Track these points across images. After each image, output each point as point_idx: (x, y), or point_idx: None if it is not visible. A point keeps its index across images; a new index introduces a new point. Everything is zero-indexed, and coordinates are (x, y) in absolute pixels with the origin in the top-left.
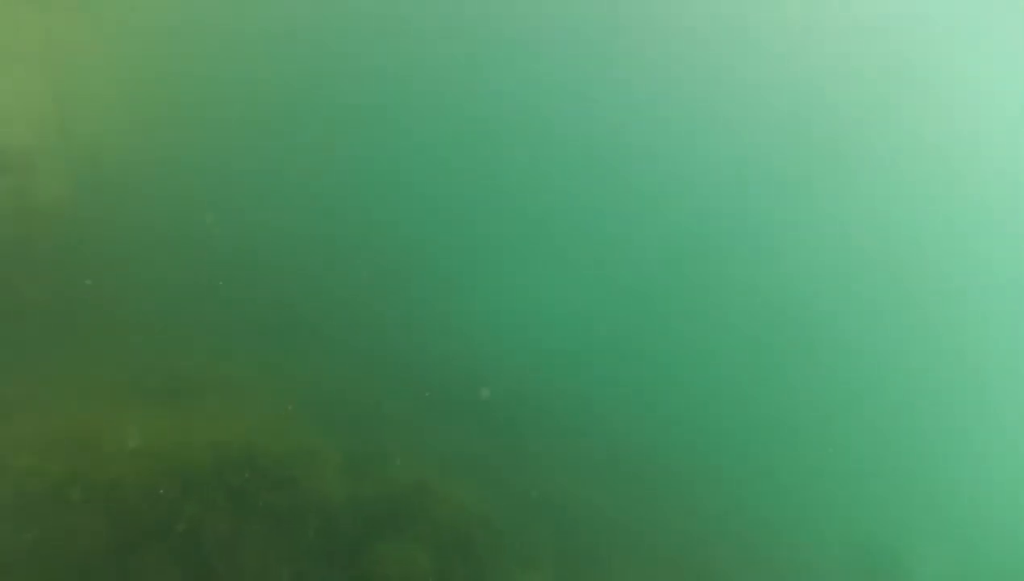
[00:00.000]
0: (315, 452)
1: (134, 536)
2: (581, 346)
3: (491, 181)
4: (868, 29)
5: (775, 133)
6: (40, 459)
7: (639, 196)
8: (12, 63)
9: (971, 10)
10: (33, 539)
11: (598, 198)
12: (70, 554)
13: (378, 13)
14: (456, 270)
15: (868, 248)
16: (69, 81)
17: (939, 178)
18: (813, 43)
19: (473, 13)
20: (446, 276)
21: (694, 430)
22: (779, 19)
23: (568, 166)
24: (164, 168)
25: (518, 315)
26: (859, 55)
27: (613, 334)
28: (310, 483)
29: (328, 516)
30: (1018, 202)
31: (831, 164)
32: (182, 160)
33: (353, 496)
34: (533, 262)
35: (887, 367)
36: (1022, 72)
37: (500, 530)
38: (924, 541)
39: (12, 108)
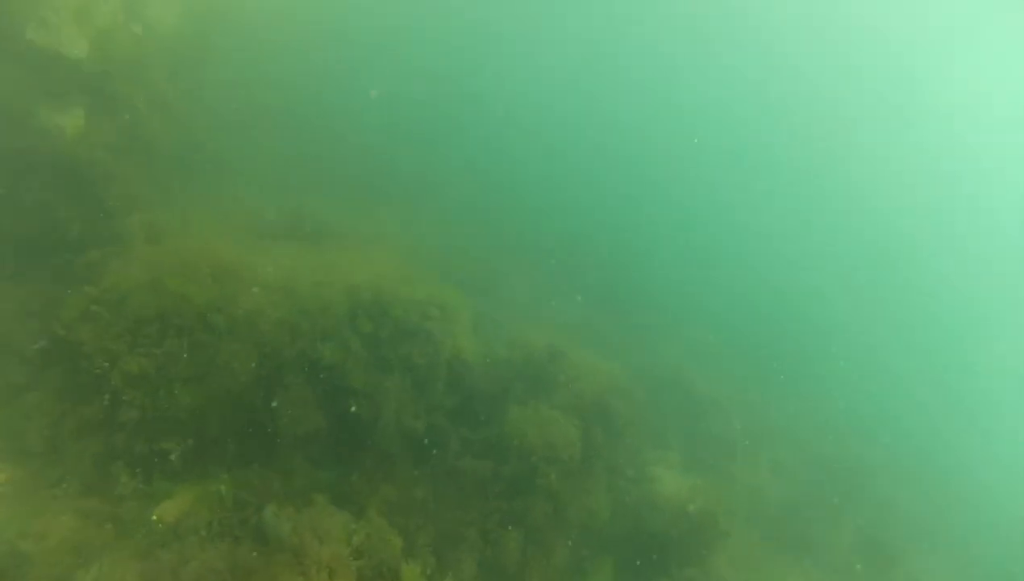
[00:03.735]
0: (445, 306)
1: (275, 369)
2: None
3: None
4: None
5: None
6: (185, 282)
7: None
8: None
9: None
10: (186, 361)
11: None
12: (220, 379)
13: None
14: None
15: None
16: None
17: None
18: None
19: None
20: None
21: None
22: None
23: None
24: (275, 18)
25: None
26: None
27: None
28: (441, 337)
29: (460, 372)
30: None
31: None
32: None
33: (484, 354)
34: None
35: None
36: None
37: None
38: None
39: None
